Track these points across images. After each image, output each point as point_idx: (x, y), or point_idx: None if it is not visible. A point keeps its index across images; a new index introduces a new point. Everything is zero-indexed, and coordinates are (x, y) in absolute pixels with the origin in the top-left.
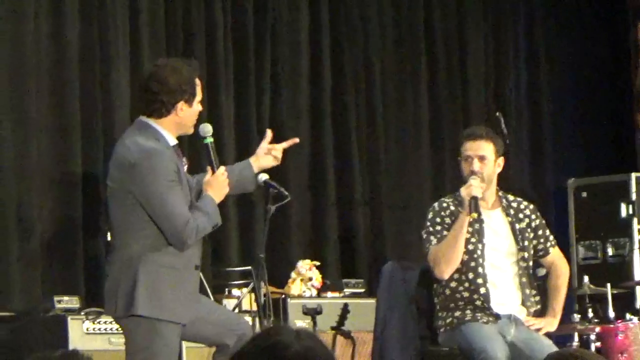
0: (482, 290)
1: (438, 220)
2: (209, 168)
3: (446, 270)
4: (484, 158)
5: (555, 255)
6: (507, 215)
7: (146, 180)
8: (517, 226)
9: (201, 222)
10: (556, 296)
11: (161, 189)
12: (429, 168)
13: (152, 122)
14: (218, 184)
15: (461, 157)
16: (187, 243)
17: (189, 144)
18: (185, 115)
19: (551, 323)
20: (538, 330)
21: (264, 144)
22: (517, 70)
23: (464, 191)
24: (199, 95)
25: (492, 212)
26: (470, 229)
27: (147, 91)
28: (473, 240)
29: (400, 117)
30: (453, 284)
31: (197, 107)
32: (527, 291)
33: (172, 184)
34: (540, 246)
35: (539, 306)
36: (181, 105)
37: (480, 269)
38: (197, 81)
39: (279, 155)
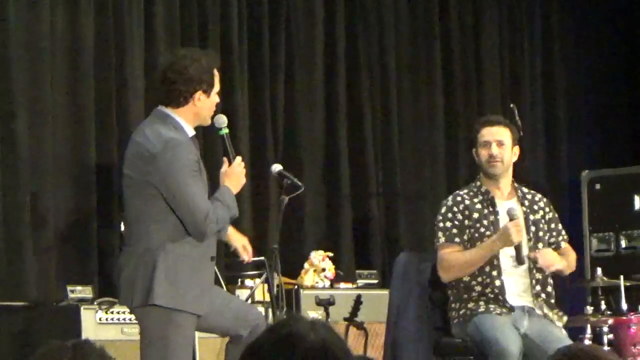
0: (497, 282)
1: (449, 216)
2: (225, 159)
3: (451, 278)
4: (502, 143)
5: (566, 249)
6: (522, 205)
7: (168, 171)
8: (532, 217)
9: (221, 213)
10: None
11: (183, 180)
12: (443, 159)
13: (170, 112)
14: (235, 174)
15: (478, 144)
16: (207, 234)
17: (203, 136)
18: (203, 106)
19: (550, 253)
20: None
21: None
22: (532, 61)
23: (510, 238)
24: (216, 86)
25: (507, 202)
26: (486, 222)
27: (166, 81)
28: (488, 233)
29: (415, 108)
30: (466, 278)
31: (214, 98)
32: (540, 283)
33: (193, 175)
34: (552, 239)
35: (552, 300)
36: (199, 95)
37: (495, 261)
38: (216, 72)
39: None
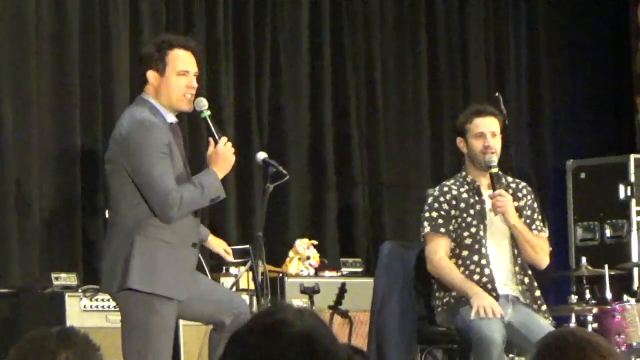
0: (487, 270)
1: (436, 206)
2: (211, 140)
3: (433, 275)
4: (495, 134)
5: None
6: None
7: (134, 150)
8: (515, 204)
9: (188, 194)
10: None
11: (148, 160)
12: (429, 148)
13: (148, 97)
14: (220, 156)
15: (469, 134)
16: (170, 216)
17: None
18: (162, 86)
19: (509, 199)
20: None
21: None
22: (517, 51)
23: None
24: (174, 66)
25: (491, 191)
26: (472, 211)
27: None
28: (475, 222)
29: (400, 97)
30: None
31: (173, 77)
32: (522, 270)
33: (160, 156)
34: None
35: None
36: (151, 74)
37: (483, 250)
38: (177, 52)
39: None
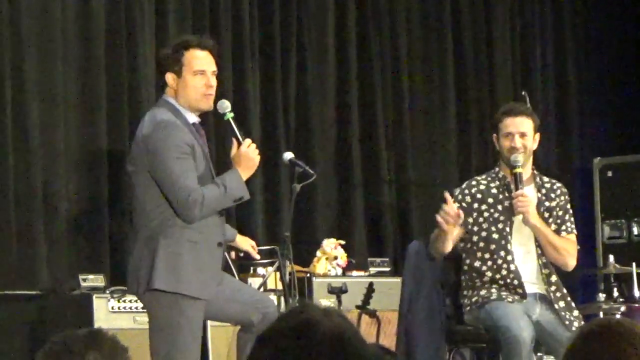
0: (512, 267)
1: (459, 198)
2: (234, 142)
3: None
4: (525, 134)
5: (565, 238)
6: (539, 192)
7: (156, 151)
8: (547, 204)
9: (209, 195)
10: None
11: (169, 159)
12: (456, 146)
13: (169, 98)
14: (243, 157)
15: (500, 133)
16: (191, 215)
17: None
18: (180, 87)
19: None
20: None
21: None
22: (543, 49)
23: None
24: (190, 66)
25: (523, 187)
26: (500, 207)
27: None
28: (502, 218)
29: (427, 96)
30: (477, 263)
31: (190, 78)
32: (549, 269)
33: (181, 156)
34: (554, 227)
35: (563, 292)
36: (170, 76)
37: (509, 246)
38: (193, 52)
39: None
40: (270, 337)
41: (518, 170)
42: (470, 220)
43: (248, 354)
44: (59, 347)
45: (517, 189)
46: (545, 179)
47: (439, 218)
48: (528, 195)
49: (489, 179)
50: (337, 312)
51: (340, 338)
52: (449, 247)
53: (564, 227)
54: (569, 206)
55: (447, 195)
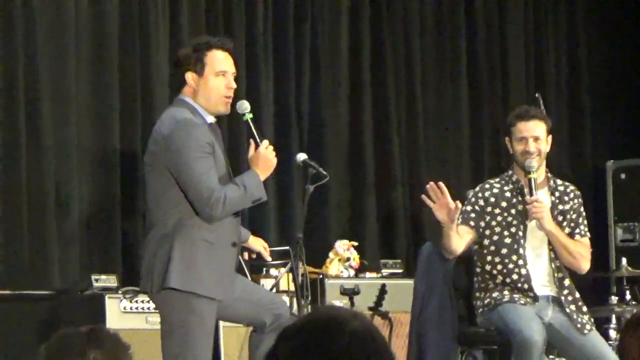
0: (523, 271)
1: (472, 200)
2: (251, 143)
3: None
4: (538, 138)
5: (578, 242)
6: (552, 195)
7: (177, 149)
8: (560, 207)
9: (231, 195)
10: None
11: (191, 159)
12: (468, 149)
13: (186, 98)
14: (262, 158)
15: (513, 137)
16: (213, 215)
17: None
18: (200, 86)
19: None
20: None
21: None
22: (556, 50)
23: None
24: (213, 67)
25: (537, 191)
26: (514, 211)
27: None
28: (515, 222)
29: (440, 97)
30: (488, 267)
31: (212, 78)
32: (562, 272)
33: (203, 155)
34: (568, 230)
35: (576, 294)
36: (190, 75)
37: (521, 250)
38: (215, 53)
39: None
40: (294, 332)
41: (532, 175)
42: (483, 223)
43: (268, 350)
44: (61, 344)
45: (531, 194)
46: (559, 182)
47: (424, 198)
48: (543, 201)
49: (502, 182)
50: (362, 313)
51: (369, 334)
52: (457, 245)
53: (577, 231)
54: (582, 209)
55: (440, 184)
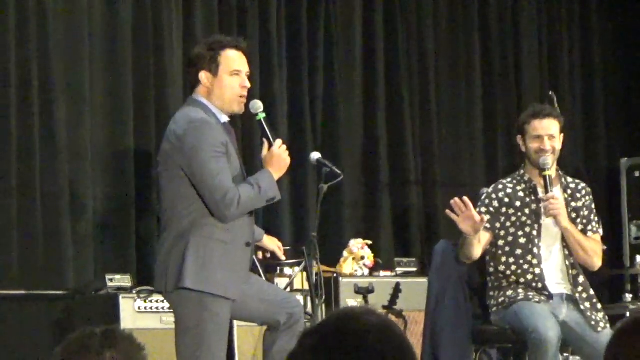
0: (537, 270)
1: (486, 202)
2: (265, 142)
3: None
4: (553, 136)
5: (591, 239)
6: (565, 192)
7: (192, 149)
8: (573, 204)
9: (245, 194)
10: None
11: (205, 158)
12: (482, 147)
13: (200, 98)
14: (275, 157)
15: (527, 135)
16: (227, 214)
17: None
18: (216, 86)
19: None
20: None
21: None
22: (570, 48)
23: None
24: (227, 66)
25: (552, 189)
26: (527, 210)
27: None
28: (529, 222)
29: (454, 97)
30: (502, 267)
31: (226, 78)
32: (576, 270)
33: (217, 155)
34: (581, 227)
35: (590, 292)
36: (204, 74)
37: (535, 250)
38: (229, 53)
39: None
40: (314, 330)
41: (548, 172)
42: (498, 225)
43: (291, 350)
44: (76, 345)
45: (547, 191)
46: (570, 179)
47: (448, 213)
48: (559, 198)
49: (515, 182)
50: (380, 311)
51: (386, 330)
52: (478, 252)
53: (590, 227)
54: (593, 206)
55: (465, 199)
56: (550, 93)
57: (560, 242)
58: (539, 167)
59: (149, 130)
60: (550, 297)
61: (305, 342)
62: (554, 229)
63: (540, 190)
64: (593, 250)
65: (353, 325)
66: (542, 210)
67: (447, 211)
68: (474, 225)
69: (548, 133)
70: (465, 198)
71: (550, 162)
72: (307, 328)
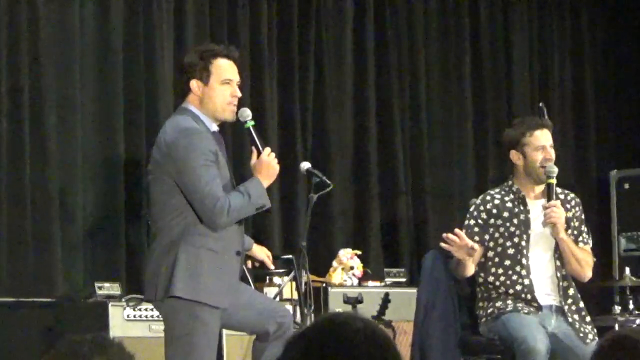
0: (526, 281)
1: (475, 214)
2: (254, 150)
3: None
4: (552, 146)
5: (583, 249)
6: None
7: (182, 158)
8: (565, 215)
9: (235, 202)
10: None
11: (195, 167)
12: (472, 158)
13: (191, 106)
14: (264, 165)
15: (528, 147)
16: (218, 222)
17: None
18: (206, 95)
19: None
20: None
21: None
22: (561, 61)
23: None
24: (218, 75)
25: (538, 201)
26: (516, 220)
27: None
28: (518, 232)
29: (444, 106)
30: (490, 278)
31: (217, 87)
32: (566, 281)
33: (207, 163)
34: (572, 238)
35: (580, 304)
36: (195, 83)
37: (524, 260)
38: (221, 62)
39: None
40: (301, 335)
41: (552, 180)
42: (487, 236)
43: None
44: (65, 352)
45: (549, 199)
46: (559, 189)
47: (443, 245)
48: (560, 207)
49: (503, 192)
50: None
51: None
52: (472, 269)
53: (580, 238)
54: (583, 217)
55: (456, 231)
56: (540, 104)
57: (552, 253)
58: (541, 177)
59: (139, 138)
60: (539, 308)
61: (293, 347)
62: (548, 238)
63: (529, 201)
64: (585, 261)
65: (341, 329)
66: (534, 217)
67: (441, 244)
68: (469, 252)
69: (549, 142)
70: (457, 230)
71: (555, 170)
72: (293, 333)
